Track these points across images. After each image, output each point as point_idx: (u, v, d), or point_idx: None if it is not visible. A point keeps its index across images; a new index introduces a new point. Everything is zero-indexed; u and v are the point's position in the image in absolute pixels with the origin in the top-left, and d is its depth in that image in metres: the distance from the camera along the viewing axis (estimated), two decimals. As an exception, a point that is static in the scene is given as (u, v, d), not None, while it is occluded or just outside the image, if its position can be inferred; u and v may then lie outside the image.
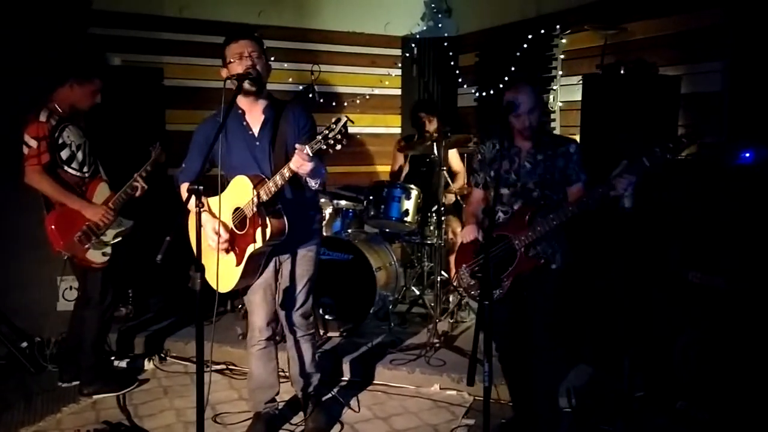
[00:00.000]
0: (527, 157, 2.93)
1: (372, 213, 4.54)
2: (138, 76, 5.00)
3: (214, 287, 2.79)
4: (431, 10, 6.46)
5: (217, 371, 3.88)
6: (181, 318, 4.50)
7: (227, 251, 2.84)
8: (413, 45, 6.37)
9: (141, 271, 4.45)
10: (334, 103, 6.16)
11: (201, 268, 2.32)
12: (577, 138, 4.00)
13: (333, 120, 2.43)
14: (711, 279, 3.29)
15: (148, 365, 4.04)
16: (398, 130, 6.57)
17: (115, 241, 3.59)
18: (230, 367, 3.98)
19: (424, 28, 6.48)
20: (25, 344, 4.01)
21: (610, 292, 3.69)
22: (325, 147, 2.43)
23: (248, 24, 5.69)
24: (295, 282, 3.01)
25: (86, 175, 3.53)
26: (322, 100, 5.84)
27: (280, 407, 3.32)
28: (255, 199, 2.69)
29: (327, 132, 2.42)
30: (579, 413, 3.34)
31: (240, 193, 2.76)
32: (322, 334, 4.14)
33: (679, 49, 4.15)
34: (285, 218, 2.76)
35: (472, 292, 3.00)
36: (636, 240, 3.57)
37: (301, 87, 5.70)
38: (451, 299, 4.67)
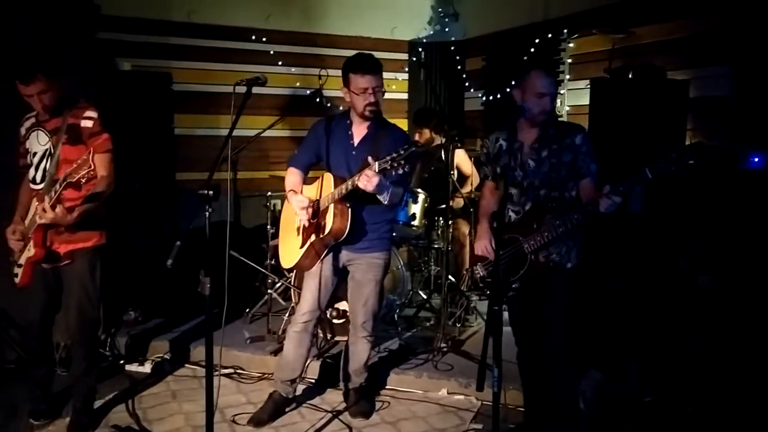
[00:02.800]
0: (530, 153, 2.85)
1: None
2: (147, 80, 5.03)
3: (282, 263, 3.38)
4: (438, 14, 6.48)
5: (225, 375, 3.88)
6: (190, 322, 4.52)
7: (298, 231, 3.21)
8: (420, 49, 6.38)
9: (150, 275, 4.47)
10: (341, 108, 6.16)
11: (211, 273, 2.33)
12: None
13: (404, 146, 2.74)
14: (720, 283, 3.28)
15: (145, 368, 4.05)
16: (405, 134, 6.57)
17: (20, 264, 3.11)
18: (238, 371, 3.98)
19: (431, 32, 6.50)
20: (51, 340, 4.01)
21: (619, 295, 3.68)
22: (389, 167, 2.75)
23: (256, 28, 5.72)
24: (365, 285, 3.27)
25: (38, 187, 3.09)
26: (329, 105, 5.86)
27: (297, 392, 3.46)
28: (328, 196, 3.03)
29: (395, 155, 2.72)
30: (588, 417, 3.33)
31: (324, 187, 3.13)
32: (329, 338, 4.14)
33: (687, 53, 4.14)
34: (348, 222, 3.03)
35: (485, 290, 3.00)
36: (645, 244, 3.56)
37: (308, 91, 5.73)
38: (458, 303, 4.66)
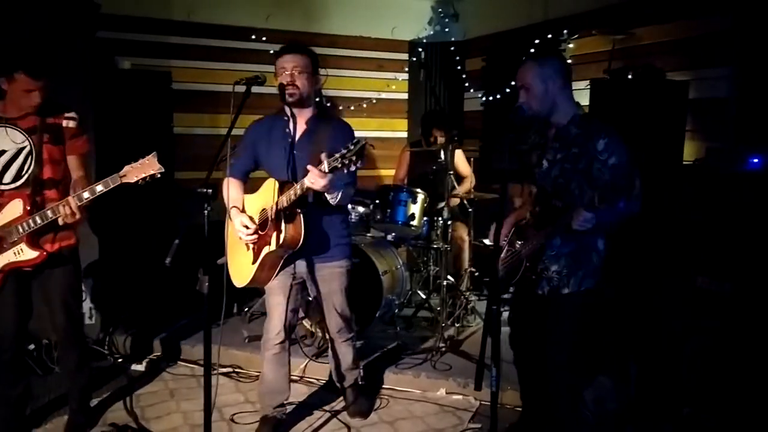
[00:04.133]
0: (548, 152, 2.63)
1: (378, 217, 4.54)
2: (146, 79, 5.02)
3: (233, 281, 3.00)
4: (438, 14, 6.48)
5: (223, 374, 3.88)
6: (188, 321, 4.52)
7: (247, 247, 2.95)
8: (420, 49, 6.38)
9: (148, 273, 4.46)
10: (341, 107, 6.18)
11: (209, 272, 2.34)
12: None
13: (354, 140, 2.50)
14: (719, 285, 3.28)
15: (143, 366, 4.05)
16: (405, 135, 6.58)
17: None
18: (237, 370, 3.98)
19: (431, 32, 6.50)
20: (32, 346, 4.01)
21: (617, 297, 3.68)
22: (340, 165, 2.49)
23: (256, 28, 5.72)
24: (331, 295, 3.13)
25: (7, 187, 2.94)
26: (329, 104, 5.85)
27: (288, 410, 3.35)
28: (275, 205, 2.78)
29: (345, 152, 2.48)
30: (588, 419, 3.33)
31: (269, 195, 2.85)
32: (327, 337, 4.13)
33: (687, 54, 4.15)
34: (302, 229, 2.80)
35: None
36: (643, 245, 3.56)
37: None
38: (457, 303, 4.66)
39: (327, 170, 2.52)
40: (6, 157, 2.94)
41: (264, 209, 2.88)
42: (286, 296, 3.06)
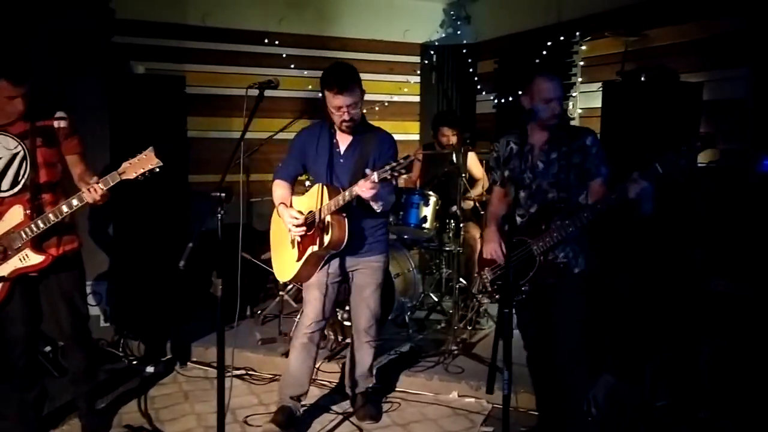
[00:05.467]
0: (540, 155, 2.86)
1: (390, 219, 4.55)
2: (161, 83, 5.07)
3: (278, 277, 3.35)
4: (450, 17, 6.48)
5: (237, 376, 3.90)
6: (201, 323, 4.54)
7: (292, 244, 3.16)
8: (432, 52, 6.39)
9: (162, 276, 4.50)
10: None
11: (223, 275, 2.35)
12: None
13: (404, 155, 2.72)
14: (735, 287, 3.25)
15: (157, 369, 4.08)
16: (417, 137, 6.58)
17: (4, 277, 2.92)
18: (250, 372, 4.00)
19: (443, 35, 6.51)
20: (48, 348, 4.05)
21: (631, 299, 3.66)
22: (389, 177, 2.71)
23: (269, 32, 5.76)
24: (366, 289, 3.26)
25: (5, 194, 2.92)
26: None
27: (303, 404, 3.40)
28: (325, 208, 2.98)
29: (395, 165, 2.69)
30: (601, 422, 3.31)
31: (316, 198, 3.06)
32: (340, 339, 4.15)
33: (701, 55, 4.11)
34: (346, 232, 3.00)
35: (494, 295, 2.99)
36: (658, 246, 3.54)
37: (320, 95, 5.74)
38: (469, 306, 4.65)
39: (377, 180, 2.73)
40: (0, 164, 2.91)
41: (311, 211, 3.07)
42: (322, 292, 3.21)
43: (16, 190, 2.93)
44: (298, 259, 3.12)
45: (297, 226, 3.05)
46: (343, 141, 3.16)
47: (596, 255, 2.94)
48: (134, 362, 4.15)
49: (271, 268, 3.36)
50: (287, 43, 5.90)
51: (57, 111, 3.00)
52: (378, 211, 3.04)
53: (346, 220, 3.00)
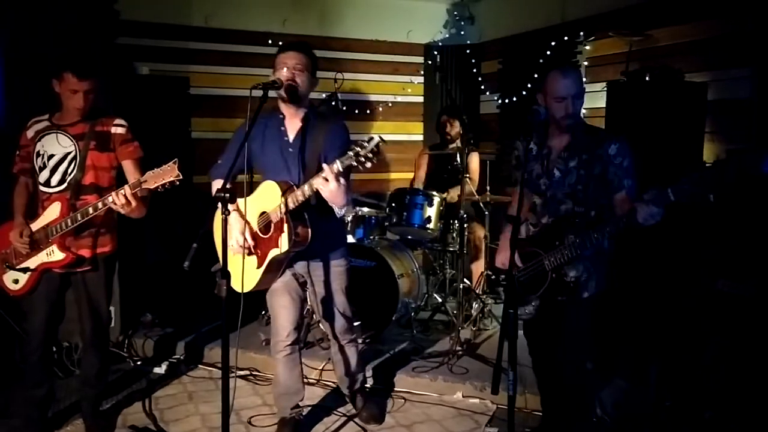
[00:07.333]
0: (558, 162, 2.65)
1: (394, 220, 4.55)
2: (165, 84, 5.09)
3: (235, 288, 2.75)
4: (454, 17, 6.47)
5: (241, 377, 3.90)
6: (206, 324, 4.55)
7: (250, 253, 2.90)
8: (436, 52, 6.39)
9: (167, 277, 4.50)
10: (357, 111, 6.19)
11: (227, 275, 2.35)
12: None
13: (366, 138, 2.42)
14: (740, 287, 3.24)
15: (162, 369, 4.08)
16: (420, 138, 6.58)
17: (30, 269, 3.03)
18: (254, 372, 4.00)
19: (447, 35, 6.50)
20: (53, 349, 4.05)
21: (637, 300, 3.65)
22: (355, 163, 2.41)
23: (272, 33, 5.76)
24: (332, 295, 3.08)
25: (53, 190, 3.02)
26: (345, 108, 5.87)
27: (304, 412, 3.36)
28: (282, 206, 2.72)
29: (359, 149, 2.40)
30: (606, 423, 3.30)
31: (268, 197, 2.80)
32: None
33: (706, 55, 4.10)
34: (309, 228, 2.78)
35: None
36: (663, 247, 3.52)
37: (324, 95, 5.75)
38: (474, 306, 4.65)
39: (342, 169, 2.45)
40: (54, 161, 3.03)
41: (265, 212, 2.82)
42: (291, 296, 3.05)
43: (62, 187, 3.02)
44: (259, 266, 2.86)
45: (243, 234, 2.82)
46: (292, 128, 2.91)
47: (616, 274, 2.77)
48: (139, 363, 4.16)
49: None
50: (291, 44, 5.90)
51: (117, 117, 3.11)
52: (340, 215, 2.83)
53: (306, 214, 2.76)
